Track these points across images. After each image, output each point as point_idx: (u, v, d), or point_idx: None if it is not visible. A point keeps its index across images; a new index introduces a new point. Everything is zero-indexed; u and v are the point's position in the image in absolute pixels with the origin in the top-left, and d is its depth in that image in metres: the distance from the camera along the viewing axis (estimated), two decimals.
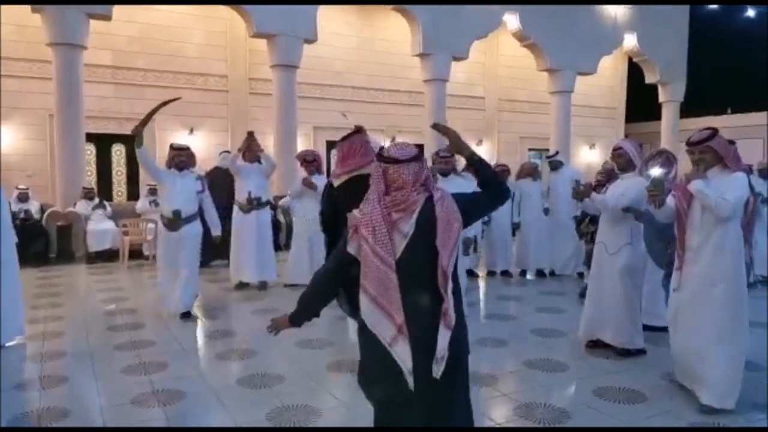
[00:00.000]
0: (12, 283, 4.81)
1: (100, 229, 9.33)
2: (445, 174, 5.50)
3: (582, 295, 6.35)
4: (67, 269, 8.64)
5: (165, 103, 5.57)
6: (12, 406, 3.55)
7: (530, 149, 16.68)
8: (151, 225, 8.76)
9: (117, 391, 3.84)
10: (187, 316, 5.70)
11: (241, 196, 7.03)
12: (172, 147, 5.82)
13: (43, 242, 9.06)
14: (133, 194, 12.02)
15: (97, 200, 9.86)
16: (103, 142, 11.96)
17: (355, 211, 2.22)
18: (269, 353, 4.65)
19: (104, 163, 12.18)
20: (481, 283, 7.66)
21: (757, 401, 3.60)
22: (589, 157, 17.55)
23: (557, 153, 8.61)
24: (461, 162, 5.73)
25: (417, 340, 2.11)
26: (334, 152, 13.99)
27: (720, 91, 18.80)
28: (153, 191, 9.54)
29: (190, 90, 12.43)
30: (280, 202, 8.39)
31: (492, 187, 2.33)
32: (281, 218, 10.24)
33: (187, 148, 5.86)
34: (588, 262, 6.60)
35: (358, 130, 4.42)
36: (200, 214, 5.86)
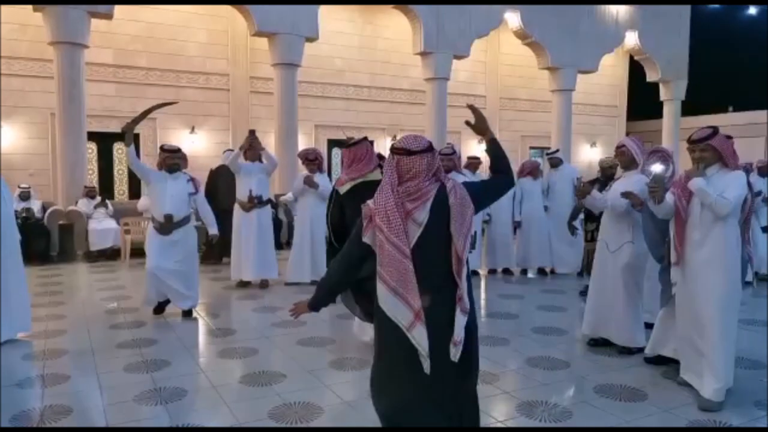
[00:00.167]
0: (17, 279, 4.84)
1: (101, 227, 9.34)
2: (446, 171, 5.53)
3: (582, 293, 6.37)
4: (69, 268, 8.66)
5: (160, 105, 5.53)
6: (14, 404, 3.56)
7: (532, 147, 16.68)
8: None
9: (119, 389, 3.85)
10: (188, 315, 5.71)
11: (242, 194, 7.03)
12: (162, 149, 5.66)
13: (45, 241, 9.07)
14: (134, 193, 12.04)
15: (98, 199, 9.87)
16: (104, 141, 11.98)
17: (369, 202, 2.27)
18: (270, 351, 4.67)
19: (106, 161, 12.20)
20: (483, 282, 7.67)
21: (757, 399, 3.61)
22: (591, 156, 17.54)
23: (557, 150, 8.63)
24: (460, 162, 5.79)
25: (433, 326, 2.19)
26: (335, 151, 14.03)
27: (721, 89, 18.78)
28: None
29: (192, 89, 12.46)
30: (282, 198, 8.40)
31: (503, 174, 2.47)
32: (282, 217, 10.25)
33: (179, 150, 5.72)
34: (586, 260, 6.63)
35: (365, 138, 4.50)
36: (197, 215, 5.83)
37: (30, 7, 9.76)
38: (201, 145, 12.55)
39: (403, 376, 2.28)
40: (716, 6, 18.46)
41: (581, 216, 6.71)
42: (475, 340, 2.42)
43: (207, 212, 5.80)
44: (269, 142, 11.49)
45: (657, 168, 3.68)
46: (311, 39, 11.77)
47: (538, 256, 8.07)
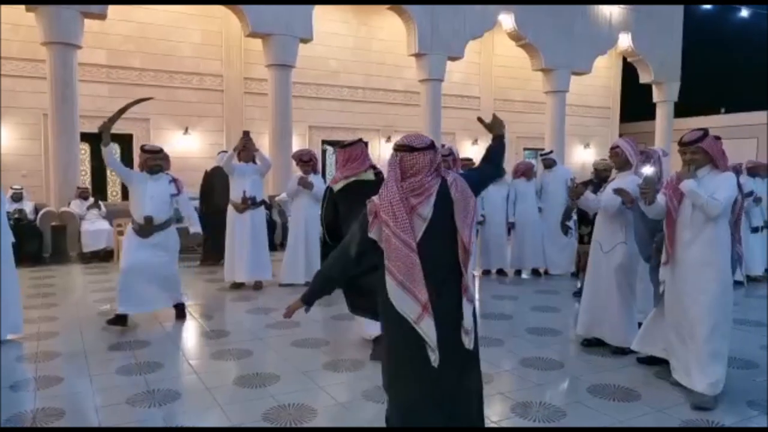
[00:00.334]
0: (9, 280, 4.81)
1: (94, 228, 9.30)
2: None
3: (576, 294, 6.40)
4: (62, 269, 8.61)
5: (134, 103, 5.40)
6: (6, 406, 3.54)
7: (526, 149, 16.73)
8: None
9: (112, 392, 3.83)
10: (181, 311, 5.61)
11: (235, 195, 7.02)
12: (143, 149, 5.44)
13: (38, 242, 9.02)
14: (127, 194, 11.92)
15: (91, 200, 9.84)
16: (97, 142, 11.83)
17: (374, 198, 2.32)
18: (265, 353, 4.66)
19: (99, 162, 12.04)
20: (477, 283, 7.68)
21: (750, 399, 3.63)
22: (584, 157, 17.62)
23: (551, 152, 8.65)
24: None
25: (441, 317, 2.24)
26: (330, 151, 14.03)
27: (714, 91, 18.91)
28: None
29: (185, 89, 12.43)
30: (277, 198, 8.40)
31: (493, 163, 2.70)
32: (276, 218, 10.23)
33: (161, 150, 5.51)
34: (579, 263, 6.66)
35: (359, 140, 4.67)
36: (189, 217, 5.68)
37: (22, 7, 9.71)
38: (195, 146, 12.52)
39: (411, 372, 2.32)
40: (709, 8, 18.56)
41: (574, 217, 6.73)
42: (476, 332, 2.49)
43: (190, 212, 5.63)
44: (263, 144, 11.48)
45: (648, 171, 3.74)
46: (305, 40, 11.76)
47: (531, 257, 8.08)
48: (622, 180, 4.45)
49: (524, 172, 8.15)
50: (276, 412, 3.46)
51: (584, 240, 6.38)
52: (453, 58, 13.46)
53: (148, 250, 5.26)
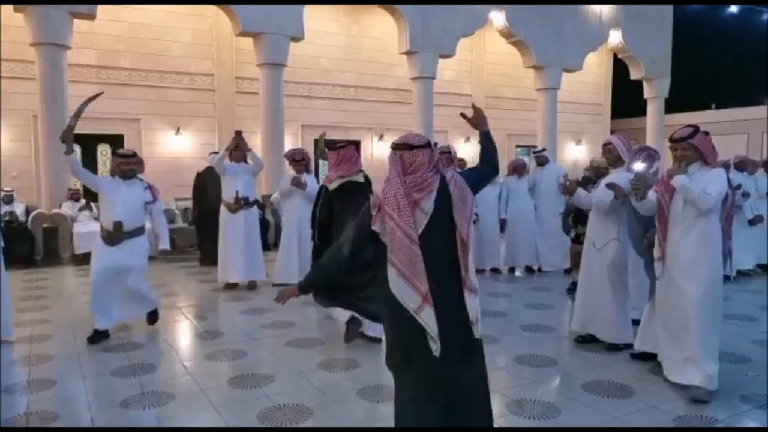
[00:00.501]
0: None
1: (86, 230, 9.23)
2: None
3: (569, 291, 6.42)
4: (54, 271, 8.56)
5: (87, 102, 5.29)
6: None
7: (518, 146, 16.76)
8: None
9: (106, 394, 3.82)
10: (152, 318, 5.35)
11: (228, 195, 6.99)
12: (116, 154, 5.14)
13: (29, 244, 8.96)
14: None
15: (83, 201, 9.77)
16: (88, 143, 11.83)
17: (377, 191, 2.41)
18: (259, 353, 4.65)
19: (90, 163, 12.03)
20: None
21: (743, 393, 3.66)
22: (576, 153, 17.68)
23: (544, 149, 8.67)
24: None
25: (441, 308, 2.31)
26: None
27: (704, 87, 19.02)
28: None
29: (176, 89, 12.35)
30: (272, 198, 8.38)
31: (488, 163, 2.73)
32: (269, 217, 10.21)
33: (134, 155, 5.16)
34: (573, 260, 6.68)
35: (351, 142, 4.90)
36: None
37: (11, 7, 9.62)
38: (187, 146, 12.46)
39: (414, 360, 2.38)
40: (699, 5, 18.67)
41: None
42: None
43: (162, 224, 5.26)
44: (255, 143, 11.42)
45: (639, 166, 3.78)
46: (297, 39, 11.72)
47: (525, 255, 8.11)
48: (615, 176, 4.47)
49: (515, 169, 8.17)
50: (271, 412, 3.46)
51: (580, 240, 6.39)
52: (444, 56, 13.46)
53: (116, 260, 4.88)
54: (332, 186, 4.69)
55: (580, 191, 4.68)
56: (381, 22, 13.80)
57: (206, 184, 8.51)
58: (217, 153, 8.22)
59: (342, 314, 4.67)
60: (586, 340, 4.69)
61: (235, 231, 6.98)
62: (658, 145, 14.16)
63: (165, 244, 5.23)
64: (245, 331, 5.26)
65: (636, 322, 4.59)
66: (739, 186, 7.23)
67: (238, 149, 6.88)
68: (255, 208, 7.26)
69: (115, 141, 11.79)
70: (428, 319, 2.29)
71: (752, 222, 7.66)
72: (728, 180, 3.67)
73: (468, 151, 14.35)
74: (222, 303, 6.53)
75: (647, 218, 3.97)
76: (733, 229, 3.93)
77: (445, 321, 2.31)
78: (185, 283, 7.64)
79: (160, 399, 3.68)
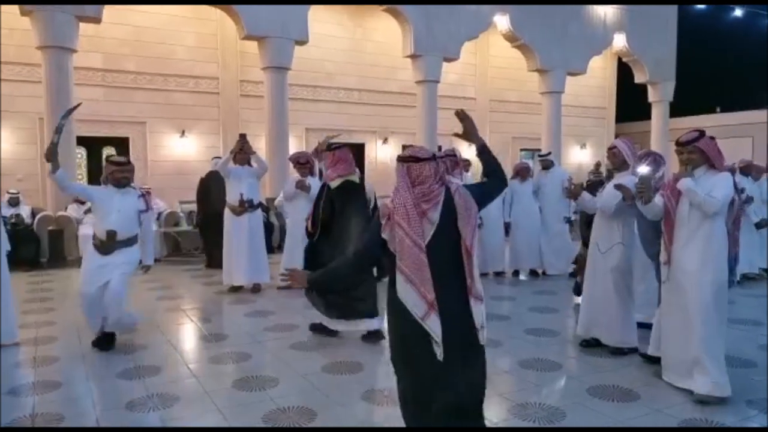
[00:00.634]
0: (4, 288, 4.78)
1: (91, 233, 9.24)
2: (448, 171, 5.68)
3: (575, 290, 6.38)
4: (59, 274, 8.58)
5: (67, 115, 5.28)
6: (5, 411, 3.53)
7: (522, 149, 16.74)
8: None
9: (111, 396, 3.83)
10: (110, 341, 4.87)
11: (232, 198, 7.00)
12: (109, 161, 4.96)
13: (35, 247, 9.00)
14: None
15: (88, 204, 9.79)
16: (93, 146, 11.88)
17: (387, 201, 2.48)
18: (263, 356, 4.66)
19: (95, 166, 12.09)
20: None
21: (750, 397, 3.65)
22: (580, 157, 17.64)
23: (549, 153, 8.66)
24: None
25: (446, 314, 2.36)
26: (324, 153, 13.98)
27: (709, 90, 18.96)
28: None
29: (181, 92, 12.39)
30: (275, 201, 8.41)
31: (493, 177, 2.69)
32: (274, 220, 10.22)
33: (128, 162, 4.96)
34: (577, 262, 6.66)
35: (345, 145, 5.15)
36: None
37: (17, 10, 9.68)
38: (191, 149, 12.49)
39: (418, 362, 2.43)
40: (703, 7, 18.63)
41: (575, 216, 6.74)
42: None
43: (150, 237, 5.11)
44: (260, 146, 11.45)
45: (644, 170, 3.77)
46: (301, 42, 11.75)
47: (529, 258, 8.09)
48: (621, 180, 4.47)
49: (519, 172, 8.16)
50: (275, 414, 3.46)
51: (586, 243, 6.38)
52: (448, 60, 13.46)
53: (106, 269, 4.71)
54: (334, 184, 4.84)
55: (585, 195, 4.68)
56: (385, 26, 13.82)
57: (210, 187, 8.54)
58: (220, 158, 8.24)
59: (319, 316, 4.99)
60: (591, 344, 4.67)
61: (240, 234, 6.99)
62: (663, 149, 14.13)
63: (149, 260, 5.05)
64: (249, 333, 5.27)
65: (641, 326, 4.59)
66: (743, 190, 7.22)
67: (242, 152, 6.89)
68: (259, 211, 7.27)
69: (121, 144, 11.84)
70: (433, 326, 2.35)
71: (759, 225, 7.64)
72: (735, 184, 3.66)
73: (472, 153, 14.32)
74: (226, 306, 6.54)
75: (659, 222, 3.94)
76: (739, 234, 3.92)
77: (450, 327, 2.37)
78: (190, 285, 7.65)
79: (165, 401, 3.69)
